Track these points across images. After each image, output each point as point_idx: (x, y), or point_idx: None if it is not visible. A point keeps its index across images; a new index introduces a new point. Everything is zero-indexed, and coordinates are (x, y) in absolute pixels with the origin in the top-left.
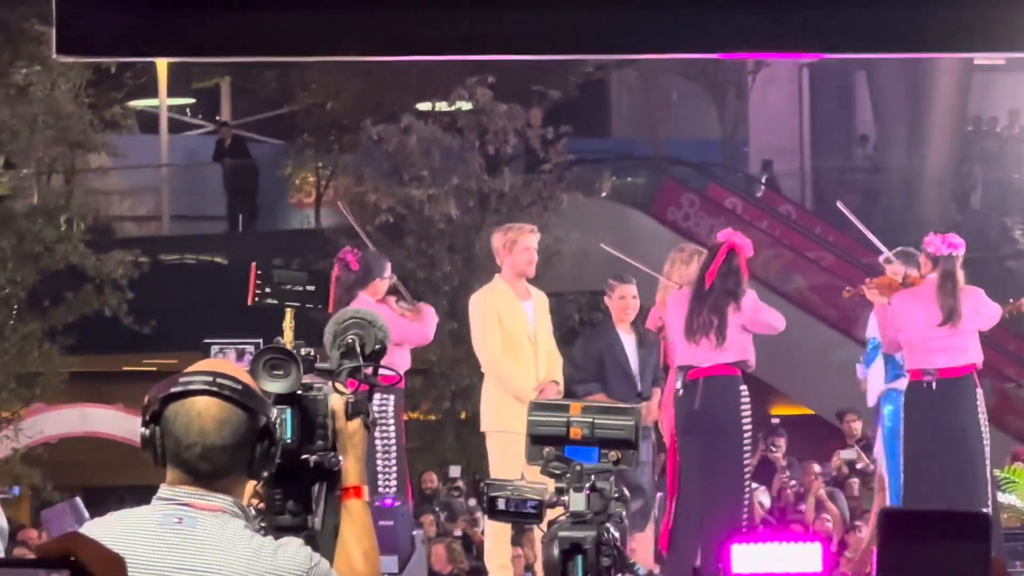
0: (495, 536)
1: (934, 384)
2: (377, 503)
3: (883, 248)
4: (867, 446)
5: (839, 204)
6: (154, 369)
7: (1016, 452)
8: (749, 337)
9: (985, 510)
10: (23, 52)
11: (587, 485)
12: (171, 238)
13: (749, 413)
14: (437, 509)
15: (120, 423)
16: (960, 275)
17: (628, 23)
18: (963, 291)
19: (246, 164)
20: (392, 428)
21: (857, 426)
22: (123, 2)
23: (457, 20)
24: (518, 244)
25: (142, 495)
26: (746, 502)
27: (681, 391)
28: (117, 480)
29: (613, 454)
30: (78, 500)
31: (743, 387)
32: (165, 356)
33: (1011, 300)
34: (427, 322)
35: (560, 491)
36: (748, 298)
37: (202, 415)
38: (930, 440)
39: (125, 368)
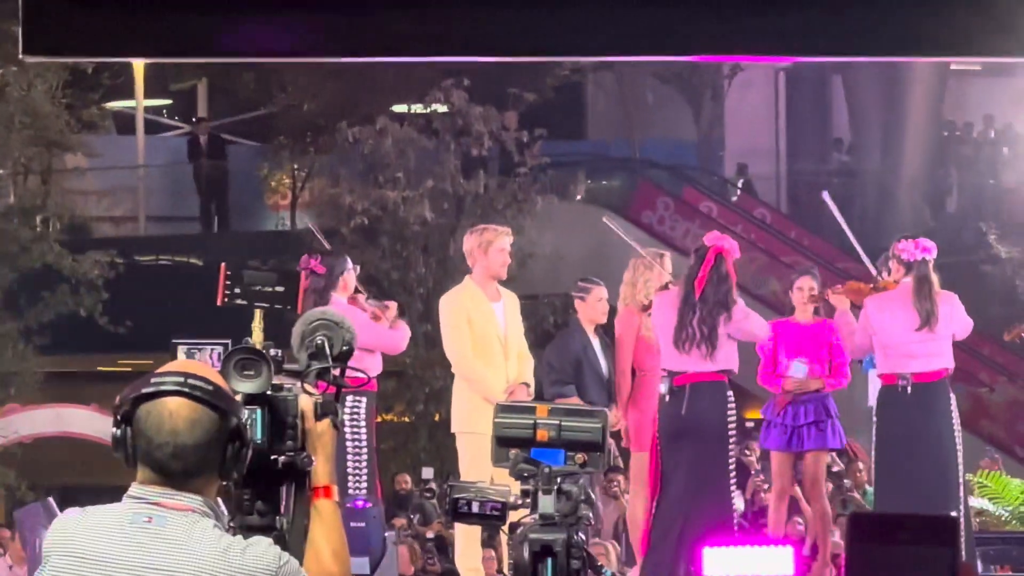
0: (465, 538)
1: (909, 388)
2: (348, 505)
3: (861, 252)
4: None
5: (824, 195)
6: (129, 370)
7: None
8: (735, 345)
9: (954, 514)
10: (0, 52)
11: (555, 488)
12: (147, 239)
13: (735, 418)
14: (410, 512)
15: (95, 423)
16: (935, 279)
17: (601, 25)
18: (939, 295)
19: (220, 164)
20: (363, 430)
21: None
22: (89, 2)
23: (430, 21)
24: (493, 245)
25: (117, 495)
26: (733, 506)
27: (667, 396)
28: (92, 480)
29: (579, 456)
30: (51, 500)
31: (730, 392)
32: (140, 357)
33: (1015, 325)
34: (400, 334)
35: (526, 493)
36: (738, 307)
37: (174, 415)
38: (904, 444)
39: (100, 368)
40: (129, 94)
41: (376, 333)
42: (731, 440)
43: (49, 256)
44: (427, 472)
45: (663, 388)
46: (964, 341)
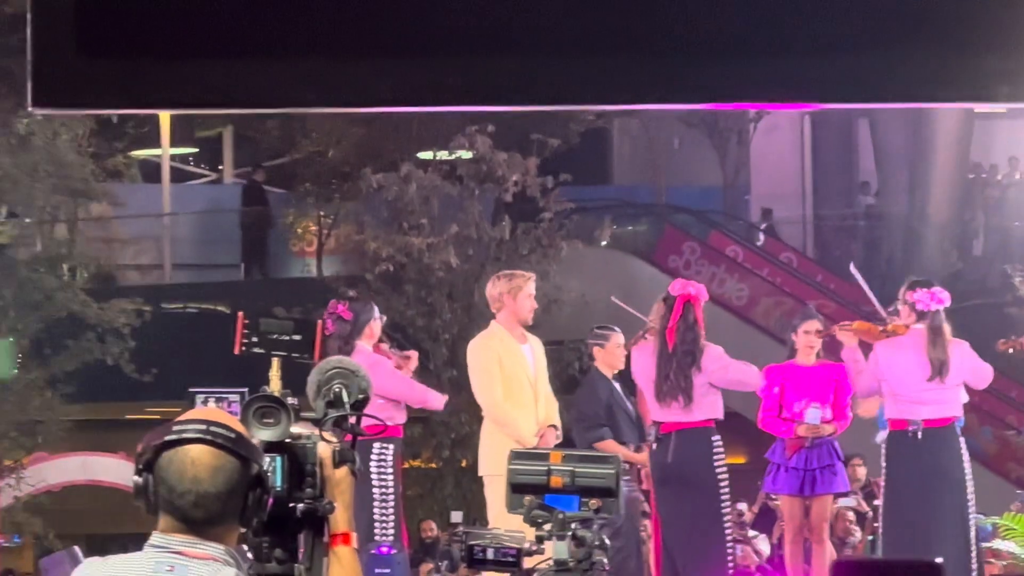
0: None
1: (919, 434)
2: (374, 551)
3: (880, 308)
4: (870, 493)
5: (852, 269)
6: (156, 417)
7: None
8: (718, 393)
9: (938, 560)
10: (25, 101)
11: (569, 534)
12: (173, 286)
13: (724, 463)
14: (438, 558)
15: (122, 471)
16: (947, 329)
17: (624, 75)
18: (950, 344)
19: (263, 211)
20: (390, 476)
21: (862, 471)
22: (98, 53)
23: (457, 71)
24: (522, 291)
25: (144, 543)
26: (729, 552)
27: (655, 444)
28: (119, 528)
29: (594, 502)
30: (76, 549)
31: (715, 438)
32: (166, 404)
33: (1012, 337)
34: (433, 395)
35: (540, 539)
36: (709, 355)
37: (196, 463)
38: (913, 489)
39: (127, 416)
40: (154, 142)
41: (404, 386)
42: (722, 486)
43: (75, 304)
44: (456, 516)
45: (650, 436)
46: (991, 384)
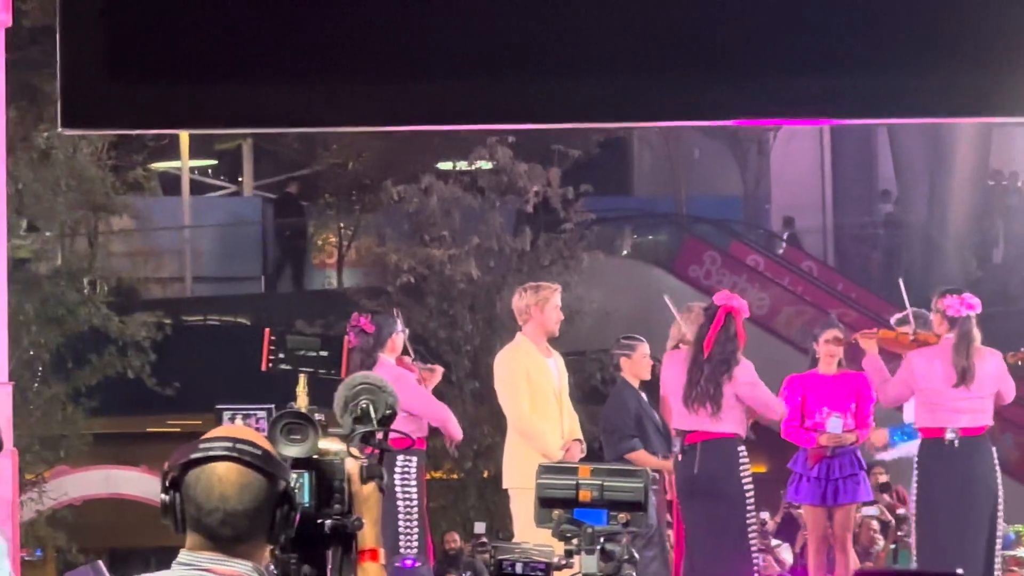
0: None
1: (956, 443)
2: (398, 564)
3: (913, 323)
4: (891, 502)
5: (899, 282)
6: (178, 430)
7: None
8: (744, 408)
9: (959, 572)
10: (46, 115)
11: (598, 548)
12: (194, 299)
13: (749, 474)
14: (462, 570)
15: (144, 485)
16: (977, 335)
17: (645, 92)
18: (979, 351)
19: (298, 223)
20: (414, 489)
21: (884, 479)
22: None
23: (478, 91)
24: (550, 303)
25: (167, 557)
26: (755, 563)
27: (680, 455)
28: (142, 542)
29: (622, 516)
30: (100, 564)
31: (741, 448)
32: (188, 417)
33: (1021, 349)
34: (453, 421)
35: (569, 553)
36: (742, 369)
37: (223, 480)
38: (949, 497)
39: (149, 430)
40: (174, 155)
41: (426, 402)
42: (748, 497)
43: (96, 318)
44: (479, 527)
45: (676, 447)
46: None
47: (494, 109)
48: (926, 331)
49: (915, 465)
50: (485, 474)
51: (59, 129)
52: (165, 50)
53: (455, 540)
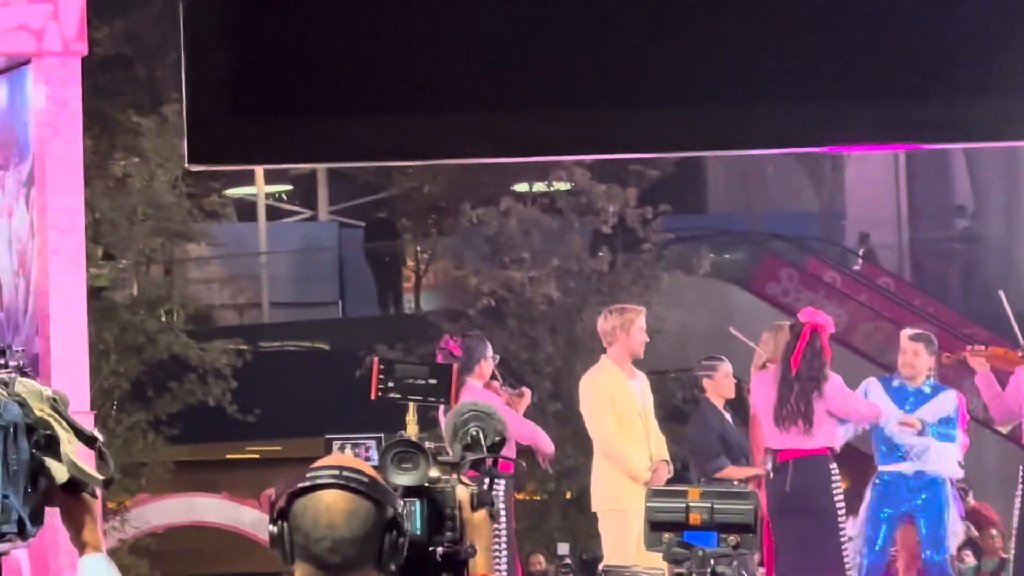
0: None
1: None
2: None
3: (1020, 336)
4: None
5: (1000, 293)
6: (257, 456)
7: None
8: (835, 423)
9: None
10: (119, 143)
11: (709, 570)
12: (272, 325)
13: (841, 492)
14: None
15: (226, 511)
16: None
17: (719, 120)
18: None
19: (395, 246)
20: (503, 512)
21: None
22: (251, 114)
23: (558, 121)
24: (635, 324)
25: None
26: None
27: (771, 473)
28: (224, 568)
29: (732, 538)
30: None
31: (833, 466)
32: (269, 443)
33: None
34: (544, 437)
35: None
36: (832, 384)
37: (330, 508)
38: None
39: (229, 456)
40: (249, 181)
41: (518, 424)
42: (840, 512)
43: (176, 346)
44: (562, 548)
45: (768, 465)
46: None
47: (577, 140)
48: None
49: (1020, 481)
50: (568, 495)
51: (186, 165)
52: (287, 89)
53: (540, 562)
